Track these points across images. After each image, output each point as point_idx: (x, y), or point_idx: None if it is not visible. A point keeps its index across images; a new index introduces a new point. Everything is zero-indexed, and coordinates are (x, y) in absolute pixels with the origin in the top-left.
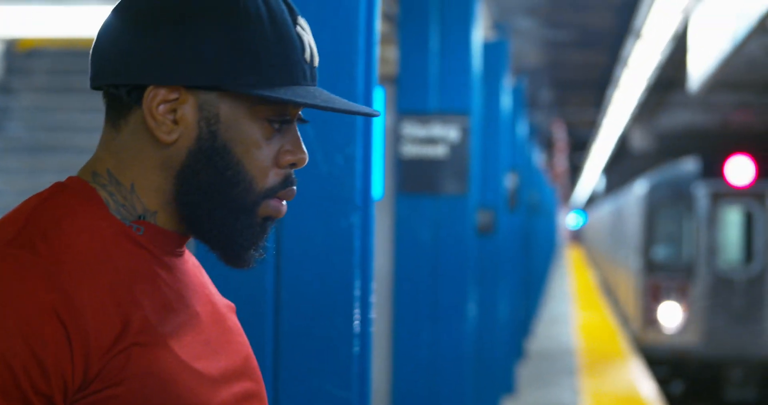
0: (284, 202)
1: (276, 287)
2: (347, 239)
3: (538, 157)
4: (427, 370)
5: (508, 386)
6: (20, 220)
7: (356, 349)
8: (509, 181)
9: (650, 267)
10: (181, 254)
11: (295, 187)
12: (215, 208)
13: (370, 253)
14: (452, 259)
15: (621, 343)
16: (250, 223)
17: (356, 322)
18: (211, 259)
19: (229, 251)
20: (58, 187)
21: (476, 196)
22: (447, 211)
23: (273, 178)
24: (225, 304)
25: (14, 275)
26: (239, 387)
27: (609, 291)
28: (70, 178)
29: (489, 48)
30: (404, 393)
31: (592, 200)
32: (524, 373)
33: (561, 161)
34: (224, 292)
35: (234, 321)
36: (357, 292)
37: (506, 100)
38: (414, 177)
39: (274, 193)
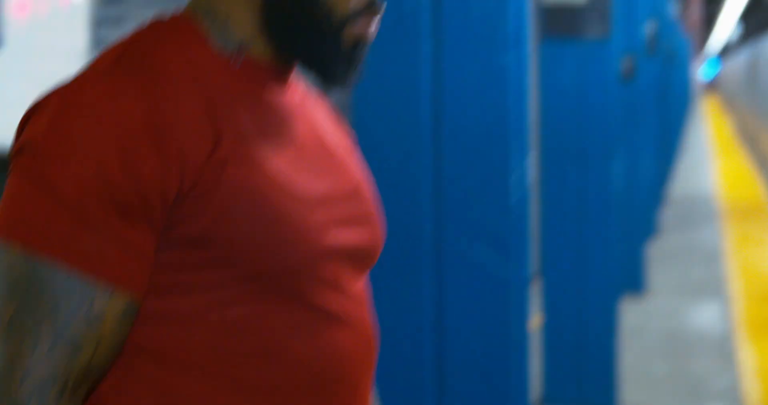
0: (373, 26)
1: (435, 130)
2: (501, 79)
3: (673, 7)
4: (574, 215)
5: (651, 230)
6: (119, 47)
7: (513, 200)
8: (648, 27)
9: None
10: (282, 84)
11: (380, 14)
12: (301, 33)
13: (525, 92)
14: (596, 105)
15: (762, 190)
16: (338, 45)
17: (512, 169)
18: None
19: (322, 73)
20: (157, 20)
21: (619, 40)
22: (590, 56)
23: (355, 3)
24: (340, 141)
25: (109, 93)
26: (341, 210)
27: (749, 141)
28: (169, 14)
29: None
30: (552, 236)
31: (727, 50)
32: (666, 217)
33: (695, 10)
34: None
35: (347, 153)
36: (512, 129)
37: None
38: (556, 22)
39: (358, 16)
